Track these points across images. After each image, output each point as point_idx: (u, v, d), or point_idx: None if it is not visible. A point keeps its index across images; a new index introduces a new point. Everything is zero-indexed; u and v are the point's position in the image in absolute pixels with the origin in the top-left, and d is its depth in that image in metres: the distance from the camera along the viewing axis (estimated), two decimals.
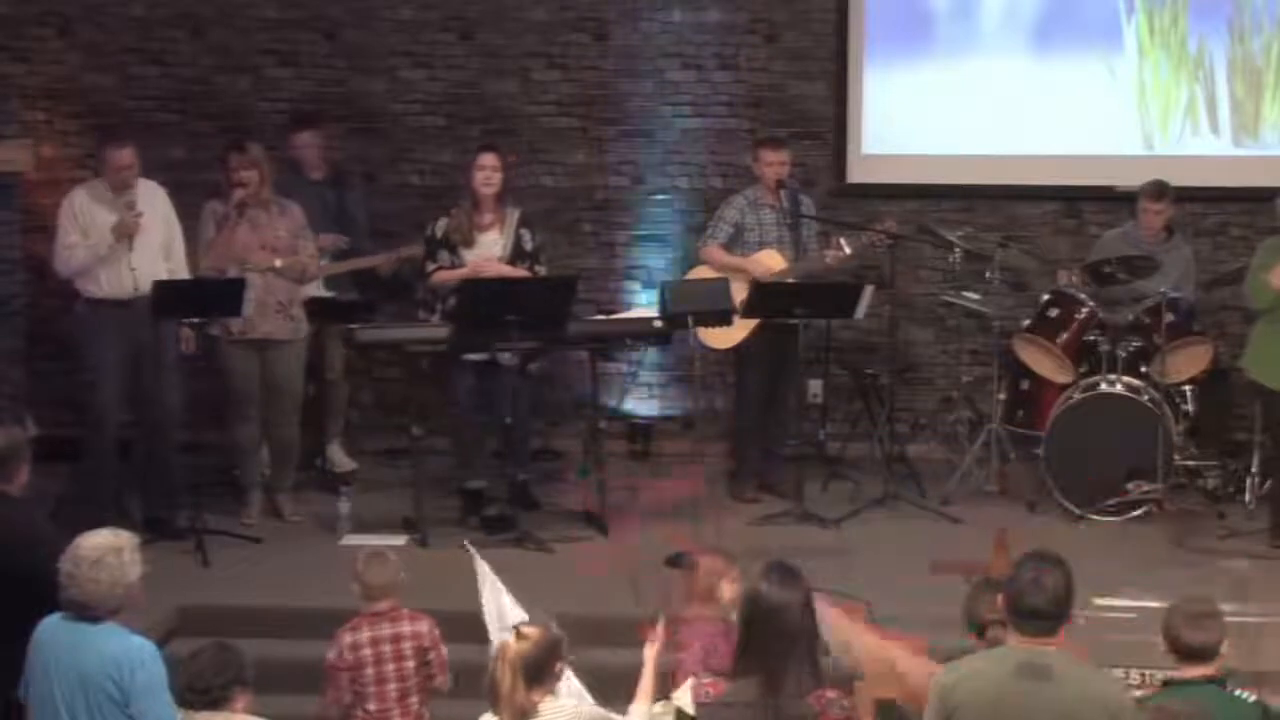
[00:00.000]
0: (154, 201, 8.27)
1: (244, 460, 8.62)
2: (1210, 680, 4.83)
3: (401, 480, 8.77)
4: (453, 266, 8.41)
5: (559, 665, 4.92)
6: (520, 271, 8.42)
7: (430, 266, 8.48)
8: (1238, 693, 4.83)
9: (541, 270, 8.55)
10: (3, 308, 9.45)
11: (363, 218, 9.58)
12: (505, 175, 8.50)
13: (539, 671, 4.84)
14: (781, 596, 4.68)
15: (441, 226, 8.50)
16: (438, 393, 8.74)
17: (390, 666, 5.88)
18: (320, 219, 8.99)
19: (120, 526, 5.25)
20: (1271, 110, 9.94)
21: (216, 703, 4.85)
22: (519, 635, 4.89)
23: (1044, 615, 4.44)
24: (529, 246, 8.53)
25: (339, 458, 9.50)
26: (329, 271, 9.15)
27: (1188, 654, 4.86)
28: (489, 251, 8.45)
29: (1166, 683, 4.97)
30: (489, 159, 8.47)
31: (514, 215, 8.57)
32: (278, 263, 8.38)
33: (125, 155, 8.16)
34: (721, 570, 5.76)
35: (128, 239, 8.04)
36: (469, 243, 8.46)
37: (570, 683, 5.26)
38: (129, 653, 4.93)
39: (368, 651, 5.86)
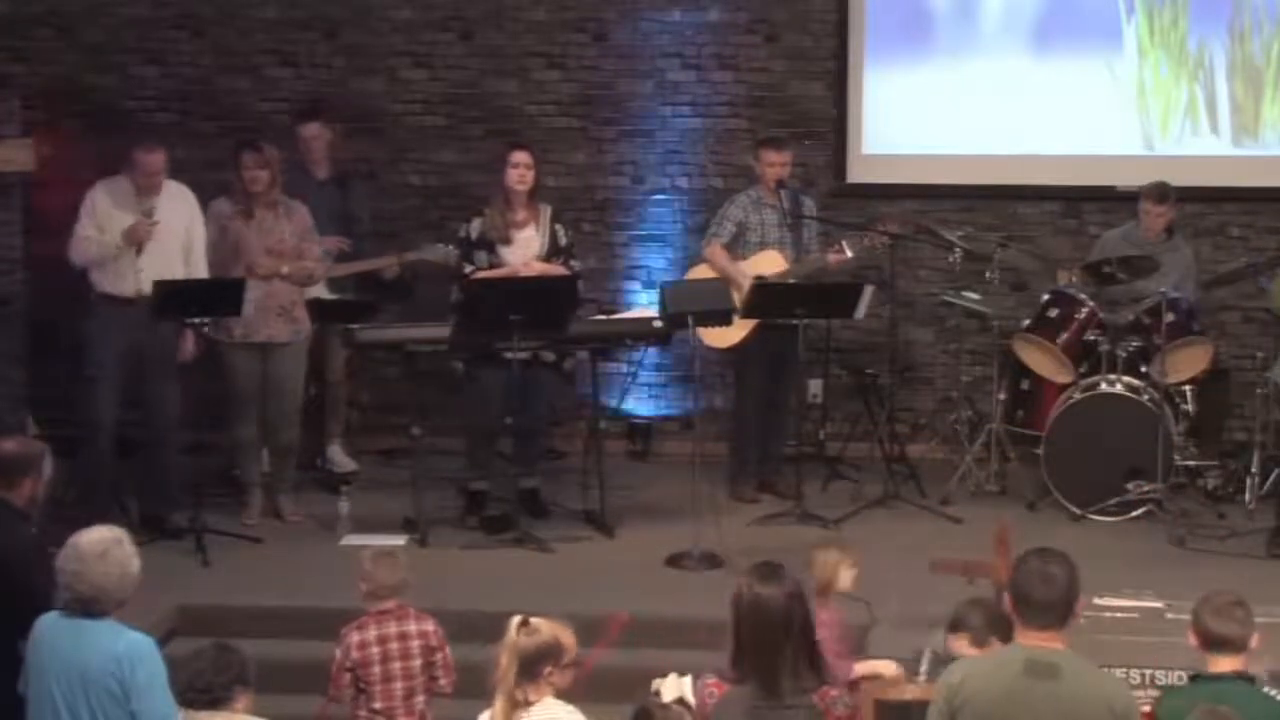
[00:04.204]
0: (179, 204, 8.21)
1: (244, 460, 8.61)
2: (1239, 676, 4.82)
3: (401, 480, 8.76)
4: (490, 266, 8.37)
5: (550, 670, 4.80)
6: (559, 268, 8.40)
7: (468, 269, 8.40)
8: (1268, 691, 4.81)
9: (576, 265, 8.54)
10: (3, 308, 9.44)
11: (366, 218, 9.57)
12: (537, 173, 8.50)
13: (529, 667, 4.78)
14: (759, 592, 4.69)
15: (476, 227, 8.46)
16: (438, 392, 8.72)
17: (397, 665, 5.87)
18: (325, 219, 8.97)
19: (118, 526, 5.23)
20: (1271, 110, 9.93)
21: (217, 702, 4.84)
22: (526, 627, 4.85)
23: (1052, 606, 4.44)
24: (563, 242, 8.52)
25: (339, 458, 9.49)
26: (333, 273, 9.14)
27: (1214, 644, 4.86)
28: (527, 249, 8.43)
29: (1194, 677, 4.96)
30: (522, 156, 8.45)
31: (547, 211, 8.55)
32: (284, 269, 8.36)
33: (155, 160, 8.07)
34: (838, 559, 6.10)
35: (137, 244, 8.01)
36: (506, 240, 8.42)
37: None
38: (130, 648, 4.91)
39: (375, 650, 5.85)
